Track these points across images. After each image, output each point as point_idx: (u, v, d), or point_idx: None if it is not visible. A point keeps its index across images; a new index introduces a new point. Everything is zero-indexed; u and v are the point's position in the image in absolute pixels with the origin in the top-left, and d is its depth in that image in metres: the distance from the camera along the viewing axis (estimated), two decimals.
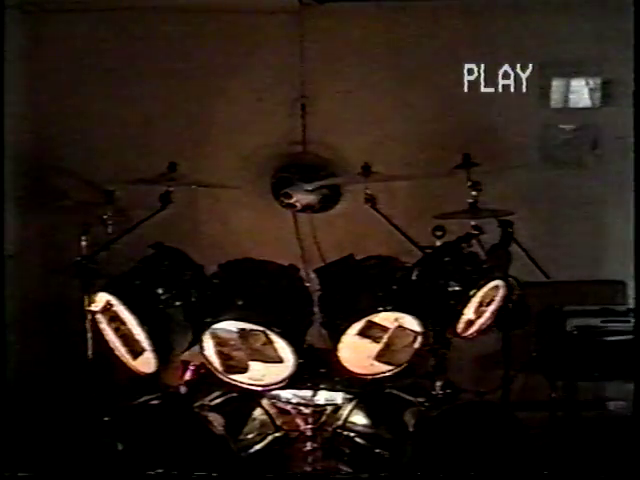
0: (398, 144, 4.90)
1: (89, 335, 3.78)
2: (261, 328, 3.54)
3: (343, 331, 3.62)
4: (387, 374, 3.70)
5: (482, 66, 4.87)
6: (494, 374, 4.00)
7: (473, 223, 3.92)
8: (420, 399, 3.80)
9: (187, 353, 3.82)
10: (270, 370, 3.61)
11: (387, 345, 3.65)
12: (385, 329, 3.63)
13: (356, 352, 3.65)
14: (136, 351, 3.69)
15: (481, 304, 3.80)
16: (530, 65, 4.92)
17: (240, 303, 3.59)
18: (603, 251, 4.93)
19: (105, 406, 3.75)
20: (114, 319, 3.70)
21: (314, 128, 4.91)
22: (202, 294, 3.72)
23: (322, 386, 3.83)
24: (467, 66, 4.86)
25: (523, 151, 4.93)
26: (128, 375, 3.77)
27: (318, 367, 3.81)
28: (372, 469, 3.69)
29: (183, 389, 3.78)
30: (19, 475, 3.64)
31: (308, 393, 3.83)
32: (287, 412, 3.89)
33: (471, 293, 3.73)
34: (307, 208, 4.91)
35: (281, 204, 4.91)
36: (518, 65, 4.90)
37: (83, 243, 3.79)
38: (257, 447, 3.75)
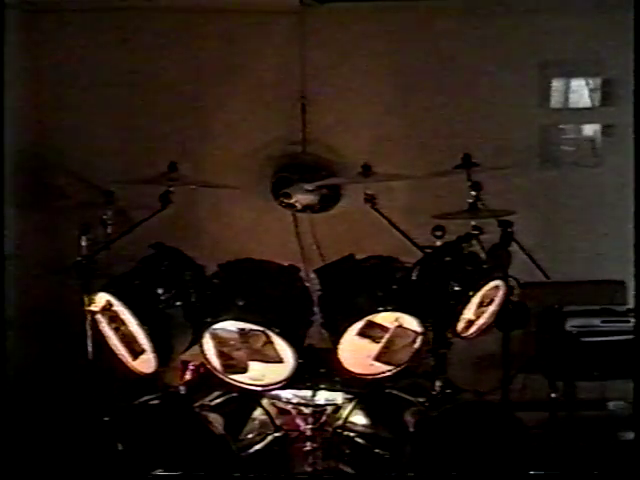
0: (398, 144, 4.91)
1: (89, 335, 3.78)
2: (261, 328, 3.54)
3: (343, 331, 3.61)
4: (387, 374, 3.70)
5: (482, 66, 4.88)
6: (494, 374, 4.00)
7: (473, 223, 3.92)
8: (420, 399, 3.80)
9: (187, 353, 3.82)
10: (270, 370, 3.61)
11: (387, 345, 3.64)
12: (385, 329, 3.63)
13: (356, 352, 3.65)
14: (136, 351, 3.69)
15: (481, 304, 3.81)
16: (530, 65, 4.93)
17: (240, 303, 3.58)
18: (603, 251, 4.92)
19: (105, 406, 3.75)
20: (114, 319, 3.70)
21: (314, 128, 4.92)
22: (202, 294, 3.72)
23: (322, 386, 3.83)
24: (468, 66, 4.88)
25: (523, 151, 4.92)
26: (128, 375, 3.77)
27: (318, 367, 3.81)
28: (372, 469, 3.69)
29: (183, 389, 3.78)
30: (19, 475, 3.65)
31: (308, 393, 3.83)
32: (287, 412, 3.89)
33: (471, 293, 3.73)
34: (307, 208, 4.91)
35: (281, 204, 4.91)
36: (518, 65, 4.91)
37: (83, 243, 3.79)
38: (257, 447, 3.75)
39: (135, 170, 4.39)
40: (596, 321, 4.36)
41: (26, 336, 4.62)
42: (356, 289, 3.74)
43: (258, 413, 3.88)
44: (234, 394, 3.83)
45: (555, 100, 5.07)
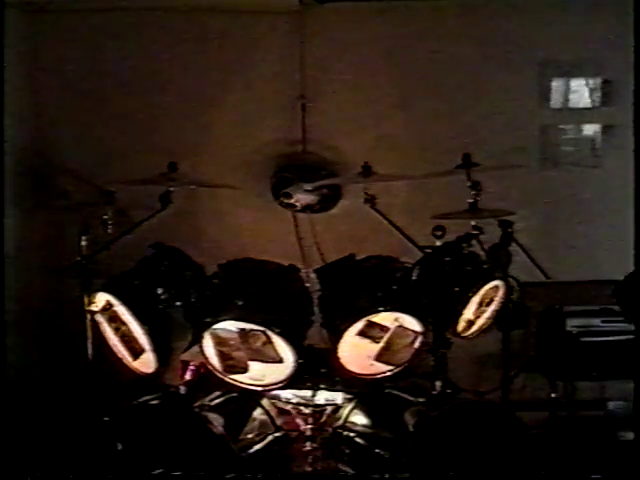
0: (398, 144, 4.90)
1: (89, 335, 3.78)
2: (261, 328, 3.54)
3: (343, 331, 3.62)
4: (387, 374, 3.70)
5: (482, 66, 4.88)
6: (494, 374, 4.00)
7: (473, 223, 3.92)
8: (420, 399, 3.80)
9: (187, 353, 3.82)
10: (270, 370, 3.61)
11: (387, 345, 3.65)
12: (385, 329, 3.63)
13: (356, 352, 3.65)
14: (136, 351, 3.70)
15: (481, 304, 3.81)
16: (530, 65, 4.93)
17: (240, 303, 3.59)
18: (603, 251, 4.92)
19: (105, 406, 3.75)
20: (114, 319, 3.71)
21: (314, 128, 4.92)
22: (202, 294, 3.72)
23: (322, 386, 3.83)
24: (468, 66, 4.88)
25: (523, 151, 4.92)
26: (128, 375, 3.77)
27: (318, 367, 3.81)
28: (372, 469, 3.69)
29: (183, 389, 3.78)
30: (20, 475, 3.65)
31: (308, 393, 3.83)
32: (287, 412, 3.89)
33: (471, 293, 3.73)
34: (307, 208, 4.91)
35: (281, 204, 4.91)
36: (518, 65, 4.91)
37: (83, 243, 3.79)
38: (257, 447, 3.75)
39: (135, 170, 4.39)
40: (596, 321, 4.35)
41: (26, 336, 4.62)
42: (356, 289, 3.74)
43: (258, 413, 3.89)
44: (234, 394, 3.83)
45: (555, 100, 5.07)
